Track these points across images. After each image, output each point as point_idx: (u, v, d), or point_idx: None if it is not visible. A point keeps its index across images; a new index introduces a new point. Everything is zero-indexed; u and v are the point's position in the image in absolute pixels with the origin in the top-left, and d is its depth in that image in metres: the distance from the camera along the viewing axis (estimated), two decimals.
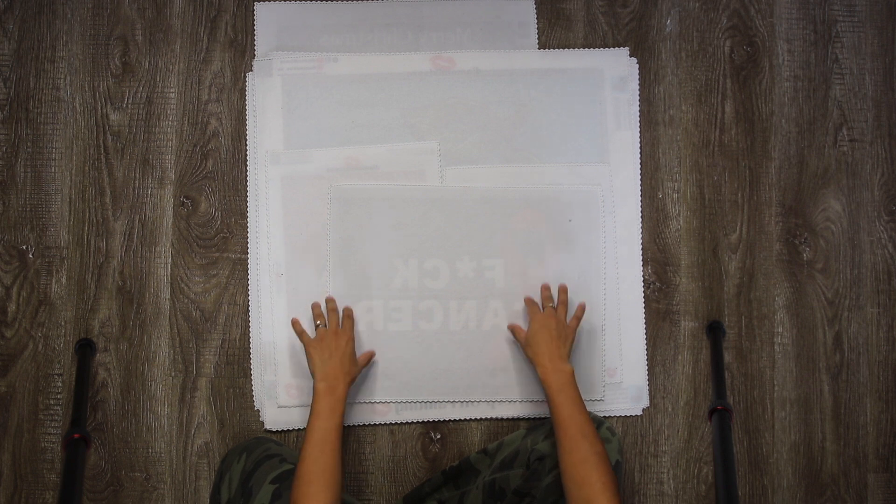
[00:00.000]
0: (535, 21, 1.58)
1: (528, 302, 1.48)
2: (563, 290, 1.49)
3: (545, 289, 1.50)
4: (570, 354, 1.41)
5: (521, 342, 1.46)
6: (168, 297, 1.53)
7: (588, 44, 1.58)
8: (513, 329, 1.49)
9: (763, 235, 1.57)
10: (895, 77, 1.59)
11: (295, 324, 1.47)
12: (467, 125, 1.55)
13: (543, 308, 1.46)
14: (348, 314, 1.48)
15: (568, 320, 1.46)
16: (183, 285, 1.53)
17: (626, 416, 1.54)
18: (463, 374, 1.52)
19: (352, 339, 1.43)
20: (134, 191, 1.54)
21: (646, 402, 1.55)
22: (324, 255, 1.52)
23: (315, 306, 1.49)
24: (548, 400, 1.32)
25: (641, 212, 1.56)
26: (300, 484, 1.22)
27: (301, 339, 1.44)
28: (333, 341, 1.41)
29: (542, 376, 1.35)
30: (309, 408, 1.49)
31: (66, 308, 1.52)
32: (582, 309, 1.47)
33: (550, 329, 1.40)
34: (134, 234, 1.53)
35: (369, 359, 1.48)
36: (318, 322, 1.46)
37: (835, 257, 1.57)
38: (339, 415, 1.31)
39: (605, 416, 1.53)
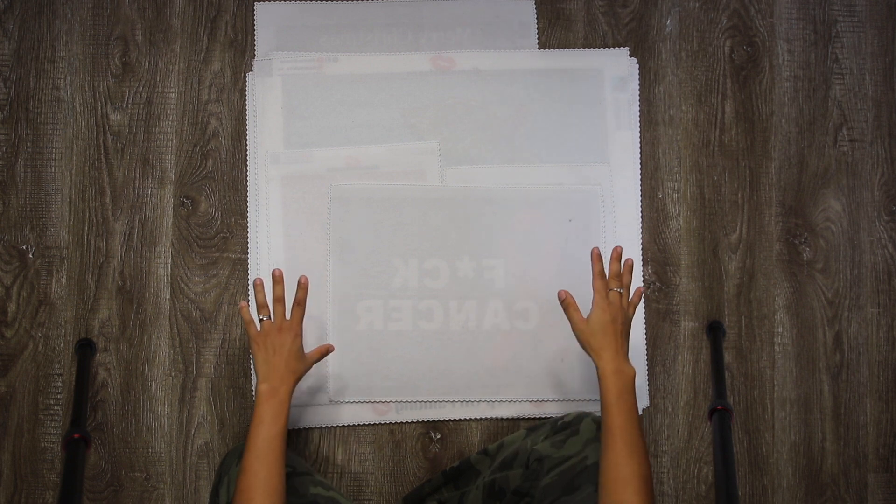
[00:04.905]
0: (535, 21, 1.58)
1: (596, 275, 1.29)
2: (628, 270, 1.31)
3: (614, 261, 1.30)
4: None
5: (577, 327, 1.27)
6: (168, 297, 1.53)
7: (588, 44, 1.58)
8: (566, 304, 1.28)
9: (763, 235, 1.57)
10: (895, 77, 1.59)
11: (243, 310, 1.30)
12: (467, 125, 1.55)
13: (609, 290, 1.28)
14: (299, 299, 1.31)
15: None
16: (183, 285, 1.53)
17: None
18: (463, 374, 1.52)
19: (299, 335, 1.30)
20: (134, 191, 1.54)
21: (646, 402, 1.55)
22: (324, 255, 1.52)
23: (258, 289, 1.31)
24: (602, 401, 1.20)
25: (641, 212, 1.56)
26: (241, 498, 1.16)
27: (248, 331, 1.29)
28: (277, 338, 1.28)
29: (602, 375, 1.21)
30: (303, 407, 1.50)
31: (66, 308, 1.52)
32: (639, 295, 1.31)
33: (617, 322, 1.24)
34: (134, 234, 1.53)
35: (322, 354, 1.34)
36: (262, 316, 1.30)
37: (835, 257, 1.57)
38: (284, 419, 1.23)
39: None
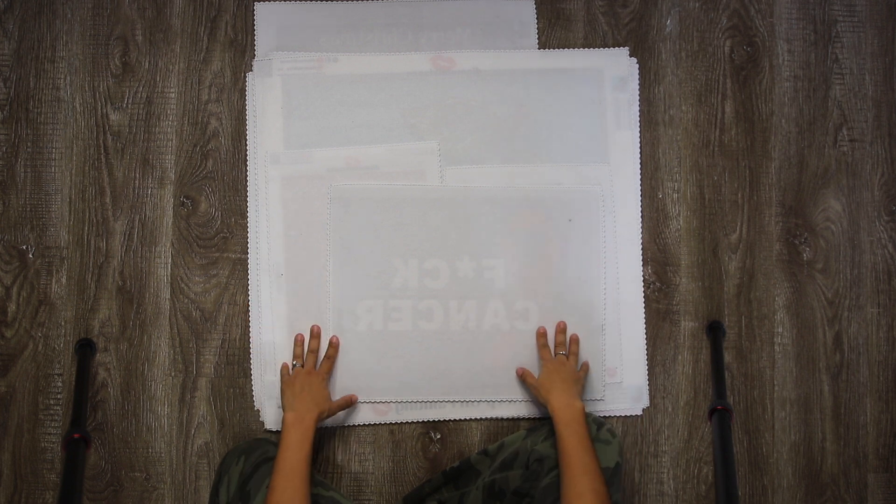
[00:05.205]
0: (535, 21, 1.58)
1: (541, 347, 1.49)
2: (574, 342, 1.50)
3: (559, 333, 1.50)
4: (582, 395, 1.44)
5: (533, 385, 1.46)
6: (168, 297, 1.53)
7: (588, 44, 1.58)
8: (523, 374, 1.49)
9: (763, 235, 1.57)
10: (895, 77, 1.59)
11: (283, 368, 1.47)
12: (467, 125, 1.55)
13: (555, 354, 1.48)
14: (329, 355, 1.48)
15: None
16: (183, 285, 1.53)
17: (626, 416, 1.54)
18: (463, 374, 1.52)
19: (325, 380, 1.45)
20: (134, 191, 1.54)
21: (646, 402, 1.55)
22: (324, 255, 1.52)
23: (297, 343, 1.49)
24: (556, 432, 1.32)
25: (641, 212, 1.56)
26: None
27: (282, 378, 1.45)
28: (306, 379, 1.42)
29: (552, 410, 1.36)
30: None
31: (66, 308, 1.52)
32: (586, 369, 1.49)
33: (563, 373, 1.43)
34: (134, 234, 1.53)
35: (347, 402, 1.48)
36: (297, 362, 1.47)
37: (835, 257, 1.57)
38: (308, 445, 1.31)
39: (605, 417, 1.53)
